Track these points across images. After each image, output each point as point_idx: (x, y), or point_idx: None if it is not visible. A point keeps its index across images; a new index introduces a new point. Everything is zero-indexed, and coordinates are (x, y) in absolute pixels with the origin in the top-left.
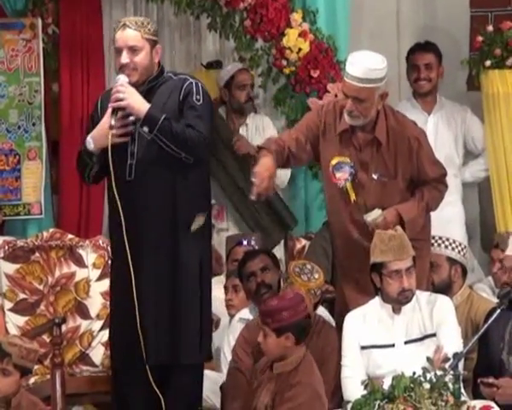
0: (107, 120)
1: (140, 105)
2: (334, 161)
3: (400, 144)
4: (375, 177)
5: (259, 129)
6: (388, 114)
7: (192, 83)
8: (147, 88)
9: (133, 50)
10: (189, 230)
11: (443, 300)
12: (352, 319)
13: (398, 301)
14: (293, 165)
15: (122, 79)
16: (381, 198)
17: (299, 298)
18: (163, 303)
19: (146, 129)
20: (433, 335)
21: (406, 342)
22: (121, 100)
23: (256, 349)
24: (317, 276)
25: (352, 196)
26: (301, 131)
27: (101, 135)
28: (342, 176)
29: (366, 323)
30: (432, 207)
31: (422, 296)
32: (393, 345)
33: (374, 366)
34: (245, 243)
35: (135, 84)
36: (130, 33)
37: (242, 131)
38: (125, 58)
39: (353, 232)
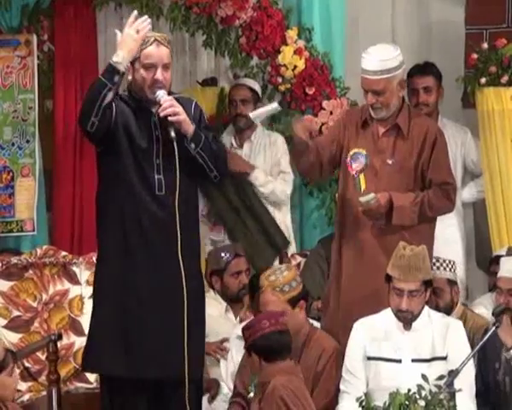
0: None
1: (189, 121)
2: (351, 152)
3: (418, 134)
4: (389, 162)
5: (266, 146)
6: (411, 109)
7: (197, 104)
8: None
9: (165, 67)
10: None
11: (458, 325)
12: (361, 328)
13: (397, 317)
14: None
15: (163, 93)
16: (391, 186)
17: (263, 316)
18: (173, 316)
19: (193, 145)
20: (443, 358)
21: (414, 360)
22: (178, 114)
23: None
24: (285, 273)
25: (363, 187)
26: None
27: (128, 41)
28: (357, 166)
29: (375, 333)
30: (428, 210)
31: (436, 316)
32: (400, 361)
33: (379, 378)
34: (224, 254)
35: None
36: (164, 51)
37: (246, 146)
38: (160, 75)
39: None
